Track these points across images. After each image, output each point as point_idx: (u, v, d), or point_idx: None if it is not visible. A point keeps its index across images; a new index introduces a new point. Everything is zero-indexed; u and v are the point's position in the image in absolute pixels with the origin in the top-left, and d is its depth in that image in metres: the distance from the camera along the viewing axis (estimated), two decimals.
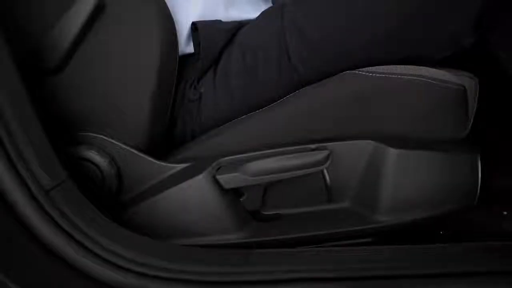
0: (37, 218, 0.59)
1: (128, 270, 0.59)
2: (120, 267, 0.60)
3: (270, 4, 0.85)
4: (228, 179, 0.70)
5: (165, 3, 0.73)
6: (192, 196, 0.71)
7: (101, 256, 0.60)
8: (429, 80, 0.71)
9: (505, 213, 0.85)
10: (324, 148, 0.72)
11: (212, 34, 0.76)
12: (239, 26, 0.79)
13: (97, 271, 0.59)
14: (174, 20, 0.75)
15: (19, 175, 0.59)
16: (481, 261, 0.61)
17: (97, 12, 0.69)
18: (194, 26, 0.77)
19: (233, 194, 0.73)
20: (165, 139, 0.77)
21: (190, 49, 0.78)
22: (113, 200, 0.72)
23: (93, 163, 0.70)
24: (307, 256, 0.64)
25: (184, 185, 0.70)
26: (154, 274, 0.59)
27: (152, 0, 0.72)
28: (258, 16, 0.79)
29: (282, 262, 0.62)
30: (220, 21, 0.79)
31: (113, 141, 0.71)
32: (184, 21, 0.77)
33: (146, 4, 0.72)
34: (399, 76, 0.70)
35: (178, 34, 0.75)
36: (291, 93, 0.72)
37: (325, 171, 0.73)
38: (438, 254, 0.64)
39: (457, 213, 0.77)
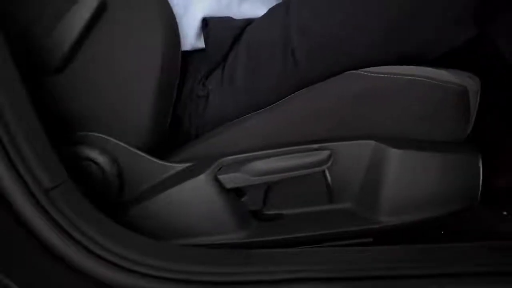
0: (37, 218, 0.59)
1: (128, 270, 0.59)
2: (120, 267, 0.59)
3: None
4: (230, 178, 0.70)
5: (167, 3, 0.73)
6: (194, 196, 0.71)
7: (102, 256, 0.60)
8: (431, 80, 0.70)
9: (505, 213, 0.85)
10: (326, 148, 0.71)
11: (221, 32, 0.76)
12: (248, 22, 0.78)
13: (97, 271, 0.59)
14: (186, 13, 0.75)
15: (19, 175, 0.59)
16: (481, 261, 0.61)
17: (99, 11, 0.69)
18: (205, 21, 0.77)
19: (234, 194, 0.73)
20: (169, 138, 0.76)
21: (202, 43, 0.78)
22: (114, 200, 0.71)
23: (95, 162, 0.70)
24: (307, 256, 0.64)
25: (185, 185, 0.70)
26: (154, 274, 0.59)
27: (154, 0, 0.72)
28: (265, 13, 0.78)
29: (282, 262, 0.62)
30: (230, 18, 0.79)
31: (114, 140, 0.71)
32: (197, 15, 0.77)
33: (148, 3, 0.72)
34: (400, 76, 0.70)
35: (189, 28, 0.76)
36: (294, 92, 0.72)
37: (326, 171, 0.73)
38: (438, 254, 0.64)
39: (459, 213, 0.76)
